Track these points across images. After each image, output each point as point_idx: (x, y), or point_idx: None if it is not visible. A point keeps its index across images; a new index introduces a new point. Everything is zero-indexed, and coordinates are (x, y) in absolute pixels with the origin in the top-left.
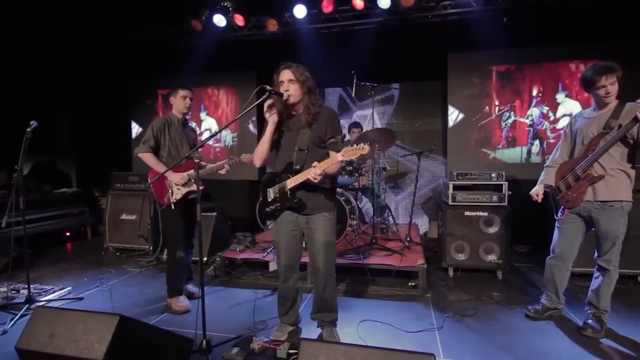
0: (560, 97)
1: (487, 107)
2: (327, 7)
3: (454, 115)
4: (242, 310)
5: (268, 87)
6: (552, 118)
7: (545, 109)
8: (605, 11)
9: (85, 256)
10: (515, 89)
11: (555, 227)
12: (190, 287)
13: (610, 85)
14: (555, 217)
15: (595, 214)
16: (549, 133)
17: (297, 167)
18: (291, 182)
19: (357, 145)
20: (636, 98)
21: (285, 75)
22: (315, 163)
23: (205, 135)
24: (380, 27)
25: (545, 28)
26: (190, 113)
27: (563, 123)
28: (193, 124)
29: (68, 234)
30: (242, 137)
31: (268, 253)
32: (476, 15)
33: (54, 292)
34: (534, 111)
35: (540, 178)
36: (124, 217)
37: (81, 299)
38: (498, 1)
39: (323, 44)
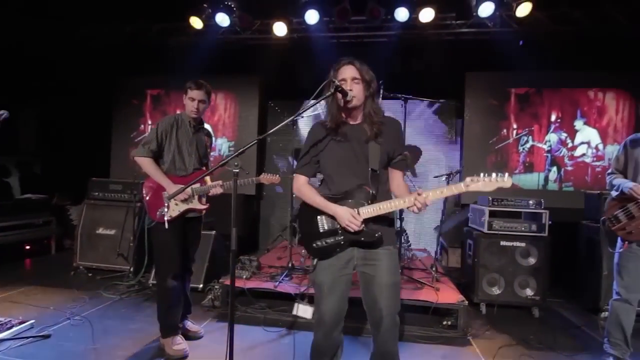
0: (578, 124)
1: (505, 130)
2: (341, 15)
3: (470, 136)
4: (255, 358)
5: (336, 82)
6: (570, 145)
7: (564, 135)
8: (621, 40)
9: (50, 277)
10: (534, 113)
11: (615, 265)
12: (189, 324)
13: None
14: (610, 250)
15: None
16: (566, 160)
17: (373, 192)
18: (368, 212)
19: (493, 176)
20: None
21: (349, 72)
22: (420, 191)
23: None
24: (394, 41)
25: (563, 53)
26: (199, 117)
27: (581, 150)
28: (209, 127)
29: (28, 247)
30: (241, 146)
31: (280, 282)
32: (494, 37)
33: (11, 326)
34: (552, 137)
35: (621, 180)
36: (100, 231)
37: (48, 336)
38: (512, 24)
39: (332, 54)
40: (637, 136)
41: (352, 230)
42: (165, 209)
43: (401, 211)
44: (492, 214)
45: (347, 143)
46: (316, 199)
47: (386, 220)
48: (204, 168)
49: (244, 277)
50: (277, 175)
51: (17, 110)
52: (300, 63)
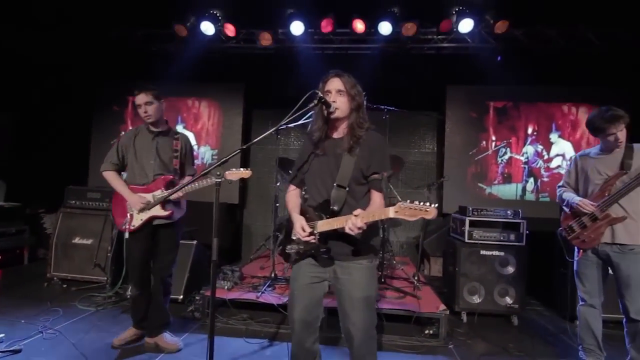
0: (553, 137)
1: (484, 142)
2: (325, 27)
3: (451, 147)
4: None
5: (320, 94)
6: (545, 157)
7: (540, 147)
8: (592, 58)
9: (22, 288)
10: (512, 125)
11: (575, 273)
12: (167, 337)
13: (620, 133)
14: (568, 258)
15: (615, 257)
16: (542, 172)
17: (335, 207)
18: (323, 225)
19: (419, 203)
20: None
21: (334, 84)
22: (357, 211)
23: None
24: (377, 53)
25: (538, 69)
26: (157, 121)
27: (556, 162)
28: (187, 132)
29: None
30: (224, 155)
31: (262, 293)
32: (473, 52)
33: None
34: (529, 149)
35: (570, 194)
36: (76, 240)
37: (18, 351)
38: (491, 40)
39: (316, 65)
40: (586, 152)
41: (304, 238)
42: (128, 219)
43: (383, 222)
44: (472, 224)
45: (324, 157)
46: (289, 207)
47: (361, 236)
48: (171, 176)
49: (226, 287)
50: (248, 169)
51: None
52: (285, 73)
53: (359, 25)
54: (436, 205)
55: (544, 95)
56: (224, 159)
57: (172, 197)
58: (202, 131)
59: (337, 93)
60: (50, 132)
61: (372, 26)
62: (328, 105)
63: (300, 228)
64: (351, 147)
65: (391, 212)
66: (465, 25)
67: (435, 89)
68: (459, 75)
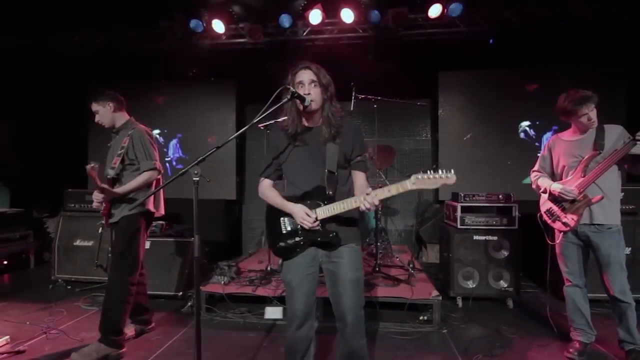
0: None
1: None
2: (314, 19)
3: (445, 133)
4: None
5: (292, 89)
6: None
7: (532, 132)
8: (588, 37)
9: (28, 291)
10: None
11: (558, 256)
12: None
13: (591, 112)
14: (549, 242)
15: (594, 238)
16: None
17: (330, 192)
18: (324, 212)
19: (439, 173)
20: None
21: (306, 75)
22: (369, 190)
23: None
24: (368, 42)
25: (531, 50)
26: (106, 126)
27: None
28: (133, 128)
29: (6, 262)
30: (219, 152)
31: (258, 286)
32: (464, 36)
33: None
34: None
35: (546, 181)
36: (78, 243)
37: (22, 352)
38: (481, 23)
39: (307, 57)
40: (559, 136)
41: (306, 227)
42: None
43: (376, 210)
44: (465, 210)
45: (305, 147)
46: (277, 200)
47: (349, 219)
48: (113, 175)
49: (222, 282)
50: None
51: None
52: (276, 67)
53: (346, 16)
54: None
55: (535, 78)
56: (201, 158)
57: (118, 191)
58: (196, 129)
59: (310, 84)
60: (49, 137)
61: (361, 14)
62: (303, 99)
63: (305, 214)
64: (333, 136)
65: (409, 184)
66: (455, 9)
67: (427, 75)
68: (452, 61)
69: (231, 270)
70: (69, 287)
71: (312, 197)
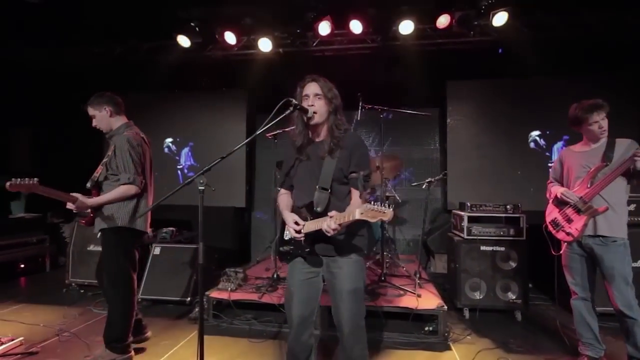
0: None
1: (487, 136)
2: (323, 30)
3: (453, 143)
4: None
5: (294, 101)
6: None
7: (542, 141)
8: (597, 45)
9: (43, 294)
10: (513, 119)
11: (564, 267)
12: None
13: (602, 121)
14: (554, 252)
15: (598, 250)
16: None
17: (318, 209)
18: (308, 226)
19: (379, 206)
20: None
21: (311, 88)
22: (332, 212)
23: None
24: (377, 52)
25: (541, 60)
26: (103, 131)
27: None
28: (120, 134)
29: (23, 266)
30: (228, 160)
31: (264, 294)
32: (474, 46)
33: (0, 344)
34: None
35: (555, 187)
36: (91, 248)
37: (35, 353)
38: (490, 33)
39: (317, 67)
40: (570, 147)
41: (292, 236)
42: None
43: (384, 220)
44: (471, 220)
45: (307, 161)
46: (281, 208)
47: (348, 233)
48: (90, 185)
49: (229, 289)
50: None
51: (10, 130)
52: (287, 77)
53: (355, 28)
54: (392, 207)
55: (544, 87)
56: (207, 168)
57: (89, 202)
58: (207, 137)
59: (315, 97)
60: (65, 144)
61: (370, 25)
62: (305, 111)
63: (294, 222)
64: (331, 149)
65: (357, 214)
66: (442, 20)
67: (436, 84)
68: (460, 71)
69: (238, 277)
70: (82, 290)
71: (305, 212)
